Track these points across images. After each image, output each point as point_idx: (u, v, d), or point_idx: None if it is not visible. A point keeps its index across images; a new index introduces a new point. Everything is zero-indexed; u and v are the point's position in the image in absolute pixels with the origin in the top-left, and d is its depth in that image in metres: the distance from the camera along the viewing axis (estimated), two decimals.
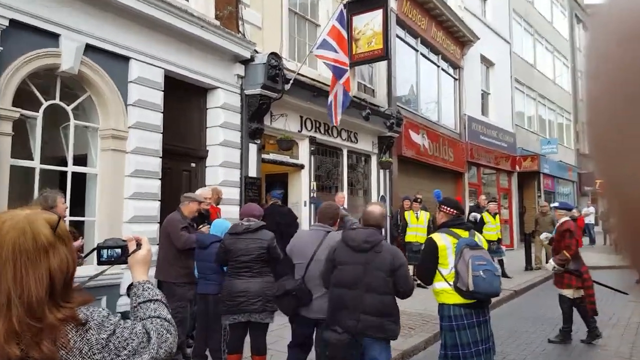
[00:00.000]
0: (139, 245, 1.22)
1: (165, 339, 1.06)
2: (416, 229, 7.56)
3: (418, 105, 10.83)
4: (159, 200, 4.90)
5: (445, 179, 11.52)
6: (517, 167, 14.75)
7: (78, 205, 4.55)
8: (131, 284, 1.16)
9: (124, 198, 4.65)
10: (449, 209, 2.91)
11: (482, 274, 2.62)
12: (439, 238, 2.82)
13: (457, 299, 2.75)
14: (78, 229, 4.55)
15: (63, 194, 3.58)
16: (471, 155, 12.33)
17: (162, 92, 5.01)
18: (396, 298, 2.65)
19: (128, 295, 1.15)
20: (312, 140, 7.27)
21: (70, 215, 4.25)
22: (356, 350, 2.56)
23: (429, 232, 7.68)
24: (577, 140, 19.96)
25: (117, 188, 4.59)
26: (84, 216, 4.62)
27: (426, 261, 2.86)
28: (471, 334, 2.75)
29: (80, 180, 4.55)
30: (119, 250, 1.23)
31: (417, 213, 7.68)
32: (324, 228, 2.96)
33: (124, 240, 1.24)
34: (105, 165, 4.59)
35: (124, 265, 1.19)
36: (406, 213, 7.71)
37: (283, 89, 6.14)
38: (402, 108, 9.56)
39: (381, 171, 8.92)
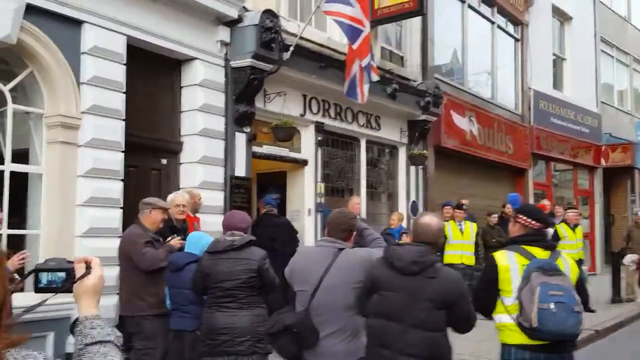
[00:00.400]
0: (88, 268, 1.25)
1: None
2: (462, 246, 7.58)
3: (464, 77, 10.76)
4: (120, 208, 5.12)
5: (501, 179, 11.41)
6: (603, 161, 14.71)
7: (17, 214, 4.77)
8: (76, 320, 1.20)
9: (77, 205, 4.85)
10: (527, 219, 2.90)
11: (552, 307, 2.59)
12: (503, 257, 2.84)
13: (522, 339, 2.72)
14: (18, 245, 4.77)
15: None
16: (538, 145, 12.29)
17: (125, 66, 5.20)
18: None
19: (72, 333, 1.19)
20: (319, 127, 7.39)
21: (8, 227, 4.49)
22: None
23: (476, 251, 7.78)
24: None
25: (67, 192, 4.79)
26: (25, 228, 4.85)
27: (484, 285, 2.91)
28: None
29: (20, 182, 4.76)
30: (62, 275, 1.26)
31: (460, 225, 7.76)
32: (335, 244, 2.97)
33: (69, 262, 1.28)
34: (52, 163, 4.78)
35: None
36: (446, 225, 7.73)
37: (281, 58, 6.24)
38: (442, 82, 9.56)
39: (412, 168, 8.97)
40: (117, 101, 5.13)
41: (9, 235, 4.53)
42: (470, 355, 5.78)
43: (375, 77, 6.65)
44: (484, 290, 2.90)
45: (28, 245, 4.78)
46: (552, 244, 2.90)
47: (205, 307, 3.58)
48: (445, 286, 2.62)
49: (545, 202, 9.50)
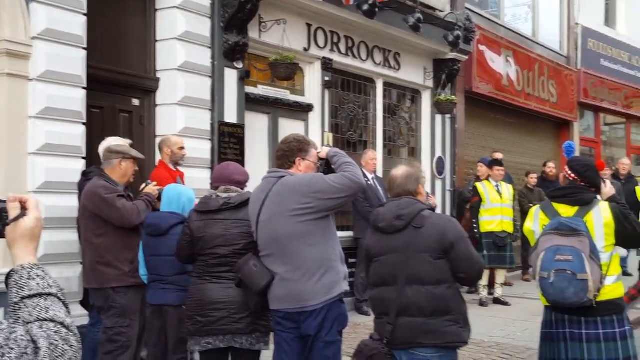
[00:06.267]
0: (24, 209, 1.27)
1: (61, 352, 1.10)
2: (501, 210, 7.37)
3: (500, 9, 10.66)
4: (82, 158, 4.95)
5: (543, 132, 11.40)
6: None
7: None
8: (11, 271, 1.21)
9: (28, 153, 4.69)
10: (568, 172, 3.19)
11: (551, 275, 2.88)
12: (530, 216, 3.22)
13: (545, 300, 3.13)
14: None
15: None
16: (585, 94, 12.23)
17: None
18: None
19: (7, 285, 1.19)
20: (327, 65, 7.26)
21: None
22: None
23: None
24: None
25: (16, 137, 4.62)
26: None
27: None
28: (550, 350, 3.10)
29: None
30: None
31: (497, 185, 7.54)
32: (276, 173, 3.18)
33: (1, 201, 1.29)
34: None
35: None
36: (479, 185, 7.53)
37: None
38: (475, 13, 9.44)
39: (438, 117, 8.90)
40: (77, 25, 4.91)
41: None
42: (504, 338, 5.85)
43: None
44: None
45: None
46: (583, 199, 3.05)
47: (194, 277, 3.50)
48: (437, 230, 2.78)
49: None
